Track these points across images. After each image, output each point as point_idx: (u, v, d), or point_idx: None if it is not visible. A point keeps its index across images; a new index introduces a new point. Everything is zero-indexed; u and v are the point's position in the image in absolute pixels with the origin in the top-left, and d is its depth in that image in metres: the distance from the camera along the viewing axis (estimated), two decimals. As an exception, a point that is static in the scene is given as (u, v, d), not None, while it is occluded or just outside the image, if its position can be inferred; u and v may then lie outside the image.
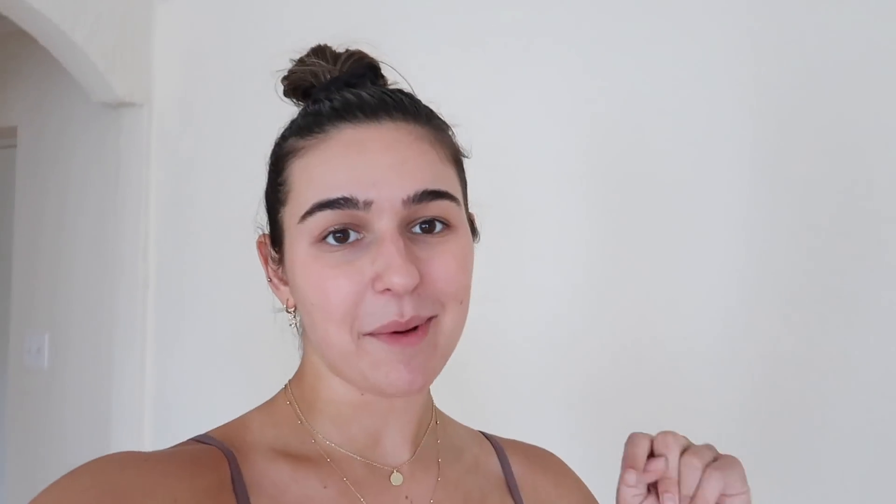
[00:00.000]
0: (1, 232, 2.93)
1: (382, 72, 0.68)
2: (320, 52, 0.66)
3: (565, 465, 0.80)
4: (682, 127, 1.51)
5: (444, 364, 0.62)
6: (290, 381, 0.69)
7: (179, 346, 2.19)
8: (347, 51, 0.67)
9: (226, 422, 0.67)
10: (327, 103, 0.63)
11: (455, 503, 0.67)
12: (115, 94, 2.18)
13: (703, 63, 1.49)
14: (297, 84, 0.67)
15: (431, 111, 0.66)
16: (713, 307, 1.48)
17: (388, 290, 0.57)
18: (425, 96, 0.68)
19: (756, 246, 1.44)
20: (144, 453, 0.59)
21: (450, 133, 0.67)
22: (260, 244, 0.69)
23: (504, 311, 1.64)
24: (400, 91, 0.65)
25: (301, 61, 0.67)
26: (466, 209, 0.67)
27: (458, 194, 0.63)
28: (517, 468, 0.74)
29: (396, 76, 0.69)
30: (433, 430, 0.70)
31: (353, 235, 0.59)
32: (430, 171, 0.60)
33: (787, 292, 1.41)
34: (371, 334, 0.58)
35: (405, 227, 0.59)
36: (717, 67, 1.49)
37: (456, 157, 0.66)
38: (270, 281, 0.68)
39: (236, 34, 2.13)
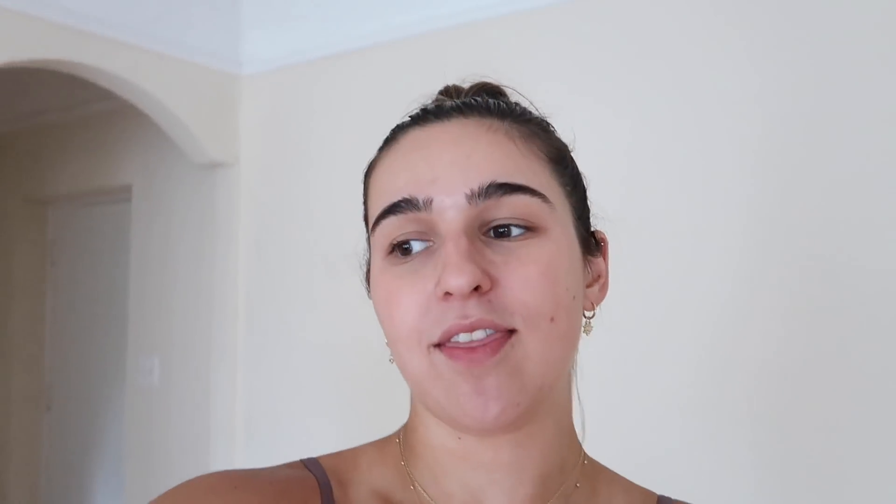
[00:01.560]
0: (118, 271, 3.36)
1: (505, 96, 0.61)
2: (447, 89, 0.61)
3: None
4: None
5: (538, 397, 0.51)
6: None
7: (266, 368, 2.57)
8: (472, 85, 0.61)
9: (342, 449, 0.62)
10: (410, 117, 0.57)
11: None
12: (209, 157, 2.59)
13: None
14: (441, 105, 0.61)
15: (524, 109, 0.58)
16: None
17: (449, 293, 0.49)
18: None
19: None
20: (236, 476, 0.56)
21: (547, 127, 0.58)
22: (366, 275, 0.62)
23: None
24: (496, 98, 0.58)
25: (434, 98, 0.61)
26: (582, 220, 0.57)
27: (549, 192, 0.53)
28: None
29: (524, 101, 0.62)
30: (568, 494, 0.57)
31: (420, 245, 0.52)
32: (502, 163, 0.51)
33: None
34: (439, 346, 0.50)
35: (476, 229, 0.51)
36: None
37: (551, 154, 0.56)
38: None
39: (307, 104, 2.52)
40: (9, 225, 3.66)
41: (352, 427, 2.26)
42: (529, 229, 0.51)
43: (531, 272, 0.50)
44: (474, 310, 0.49)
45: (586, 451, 0.60)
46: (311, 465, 0.59)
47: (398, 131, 0.57)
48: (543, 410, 0.54)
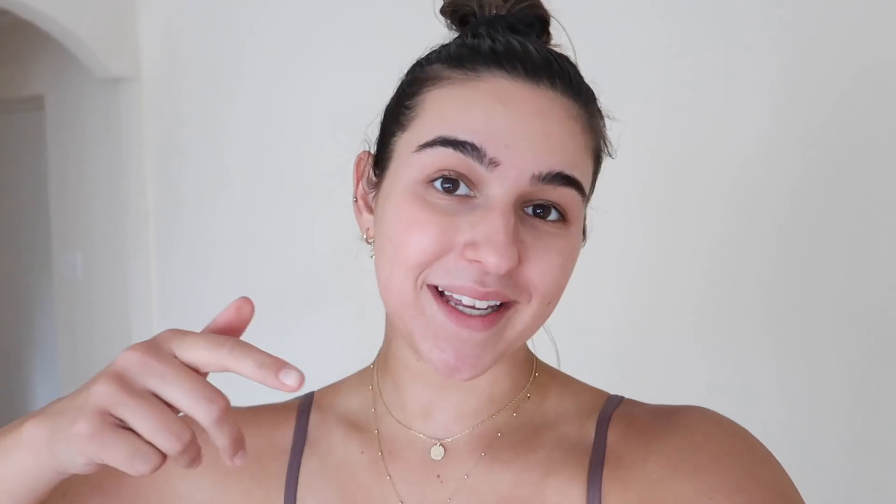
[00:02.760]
0: (37, 175, 3.60)
1: (550, 28, 0.60)
2: None
3: (715, 436, 0.56)
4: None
5: (503, 356, 0.55)
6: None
7: (175, 259, 2.93)
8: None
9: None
10: (488, 41, 0.55)
11: (499, 484, 0.58)
12: (111, 73, 2.82)
13: None
14: (459, 7, 0.59)
15: (592, 94, 0.58)
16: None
17: (478, 262, 0.50)
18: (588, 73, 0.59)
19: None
20: (251, 409, 0.66)
21: (601, 124, 0.58)
22: (360, 161, 0.61)
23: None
24: (567, 60, 0.57)
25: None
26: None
27: (588, 190, 0.55)
28: (614, 440, 0.58)
29: (565, 41, 0.61)
30: (516, 405, 0.60)
31: (463, 189, 0.52)
32: (571, 155, 0.52)
33: None
34: (435, 288, 0.52)
35: (520, 203, 0.52)
36: None
37: (597, 152, 0.57)
38: (356, 202, 0.61)
39: (204, 20, 2.77)
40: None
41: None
42: (563, 219, 0.53)
43: (553, 261, 0.52)
44: (494, 281, 0.50)
45: (549, 362, 0.65)
46: (306, 395, 0.67)
47: (481, 63, 0.54)
48: None
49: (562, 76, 0.54)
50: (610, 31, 1.82)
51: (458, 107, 0.53)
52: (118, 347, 2.80)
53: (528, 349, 0.63)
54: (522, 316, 0.53)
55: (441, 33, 0.61)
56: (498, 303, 0.52)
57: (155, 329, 2.97)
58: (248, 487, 0.63)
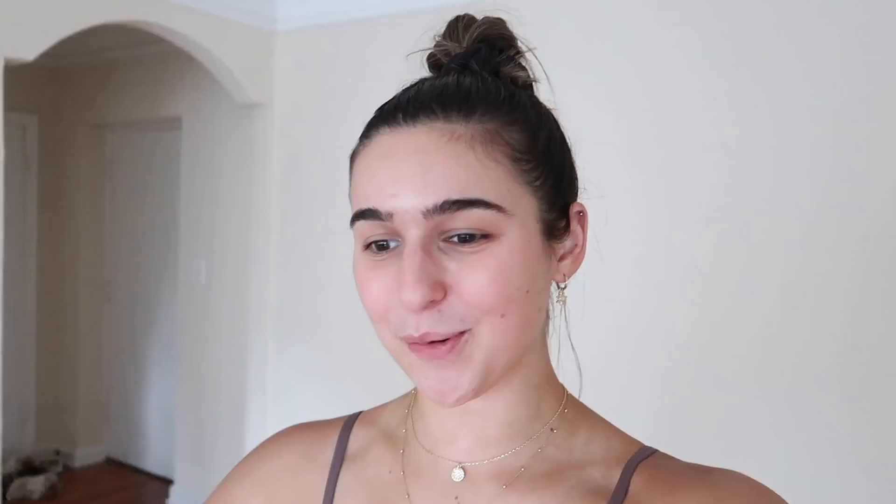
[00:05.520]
0: (169, 188, 3.94)
1: (516, 42, 0.61)
2: (451, 28, 0.61)
3: (743, 494, 0.54)
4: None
5: (493, 377, 0.56)
6: None
7: (294, 270, 3.19)
8: (476, 23, 0.60)
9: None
10: (387, 105, 0.58)
11: None
12: (249, 98, 3.13)
13: None
14: (433, 66, 0.62)
15: (500, 95, 0.57)
16: None
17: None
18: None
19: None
20: (298, 426, 0.72)
21: (521, 120, 0.57)
22: None
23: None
24: (479, 78, 0.58)
25: (436, 42, 0.62)
26: (555, 205, 0.58)
27: (507, 196, 0.54)
28: (637, 487, 0.57)
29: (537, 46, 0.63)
30: (540, 438, 0.61)
31: (393, 244, 0.55)
32: (458, 178, 0.52)
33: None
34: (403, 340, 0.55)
35: (436, 237, 0.53)
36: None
37: (520, 152, 0.55)
38: None
39: (331, 58, 3.05)
40: (75, 146, 4.24)
41: (360, 313, 2.83)
42: (485, 236, 0.53)
43: (481, 279, 0.52)
44: (425, 322, 0.52)
45: (584, 402, 0.65)
46: (355, 413, 0.72)
47: (371, 129, 0.57)
48: (508, 375, 0.58)
49: (446, 103, 0.55)
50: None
51: (359, 177, 0.57)
52: (235, 351, 3.12)
53: (555, 382, 0.64)
54: (481, 335, 0.54)
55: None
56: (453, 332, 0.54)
57: (270, 334, 3.23)
58: (289, 498, 0.67)
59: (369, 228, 0.55)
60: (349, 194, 0.58)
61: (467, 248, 0.53)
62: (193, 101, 3.66)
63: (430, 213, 0.52)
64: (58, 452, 4.30)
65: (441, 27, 0.62)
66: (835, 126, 1.98)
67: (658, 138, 2.26)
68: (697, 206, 2.19)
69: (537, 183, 0.56)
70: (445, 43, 0.61)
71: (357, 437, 0.68)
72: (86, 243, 4.27)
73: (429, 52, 0.62)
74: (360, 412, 0.71)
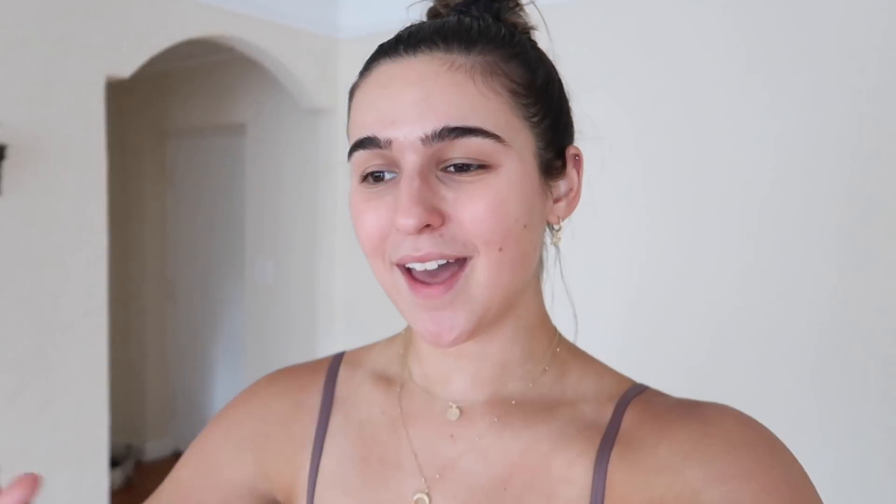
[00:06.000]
0: (233, 192, 4.06)
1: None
2: None
3: (732, 428, 0.54)
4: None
5: (488, 316, 0.55)
6: None
7: (359, 268, 3.29)
8: None
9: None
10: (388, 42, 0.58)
11: (507, 449, 0.59)
12: (314, 103, 3.24)
13: None
14: (433, 12, 0.63)
15: (500, 34, 0.57)
16: None
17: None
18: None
19: None
20: (281, 370, 0.73)
21: (520, 60, 0.57)
22: None
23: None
24: (477, 19, 0.58)
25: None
26: (552, 144, 0.58)
27: (506, 128, 0.54)
28: (629, 423, 0.58)
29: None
30: (536, 377, 0.61)
31: (389, 175, 0.55)
32: (457, 106, 0.52)
33: None
34: (399, 266, 0.55)
35: (434, 166, 0.53)
36: None
37: (520, 88, 0.55)
38: None
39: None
40: (139, 152, 4.39)
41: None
42: (483, 166, 0.53)
43: (479, 208, 0.52)
44: (425, 243, 0.52)
45: (576, 342, 0.66)
46: (337, 354, 0.72)
47: (372, 62, 0.57)
48: (502, 317, 0.58)
49: (446, 36, 0.55)
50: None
51: (357, 108, 0.57)
52: (304, 348, 3.23)
53: (548, 324, 0.64)
54: (479, 270, 0.54)
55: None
56: (445, 261, 0.54)
57: (337, 331, 3.35)
58: (280, 448, 0.68)
59: (367, 158, 0.55)
60: (347, 131, 0.58)
61: (465, 177, 0.53)
62: (257, 107, 3.77)
63: (428, 139, 0.52)
64: (129, 447, 4.47)
65: None
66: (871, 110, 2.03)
67: (684, 113, 2.31)
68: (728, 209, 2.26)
69: (535, 119, 0.56)
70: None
71: (344, 379, 0.69)
72: (150, 245, 4.43)
73: (430, 6, 0.63)
74: (343, 352, 0.72)
